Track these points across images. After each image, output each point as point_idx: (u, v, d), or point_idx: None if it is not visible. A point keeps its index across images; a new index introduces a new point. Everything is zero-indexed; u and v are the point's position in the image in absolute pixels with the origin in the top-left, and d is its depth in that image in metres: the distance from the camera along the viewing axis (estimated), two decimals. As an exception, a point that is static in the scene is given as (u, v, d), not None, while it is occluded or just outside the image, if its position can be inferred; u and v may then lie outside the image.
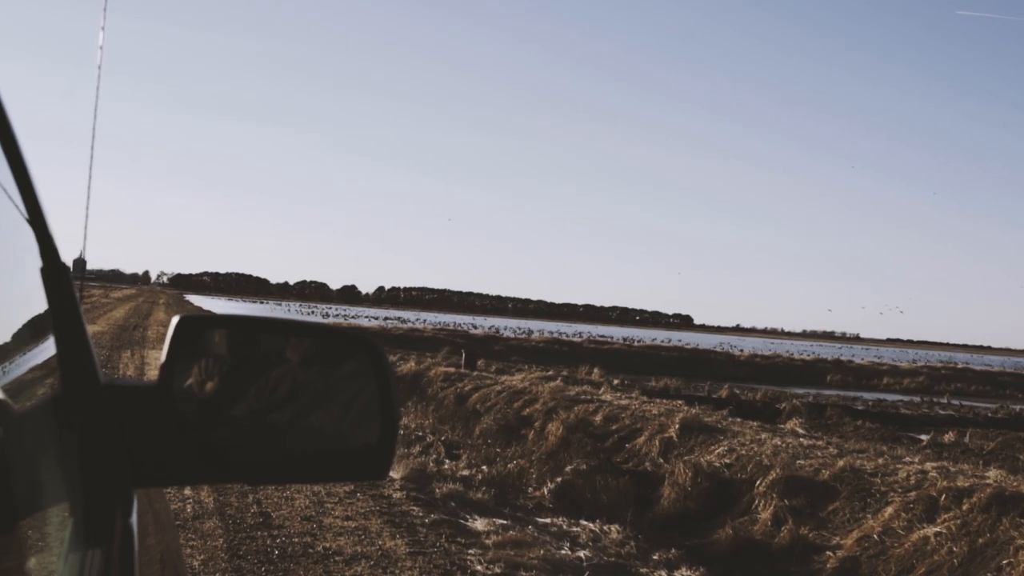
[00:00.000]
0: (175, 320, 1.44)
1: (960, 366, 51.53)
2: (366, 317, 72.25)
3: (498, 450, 13.93)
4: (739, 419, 15.83)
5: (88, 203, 1.91)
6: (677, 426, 13.18)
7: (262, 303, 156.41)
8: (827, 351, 74.18)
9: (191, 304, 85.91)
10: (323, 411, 1.56)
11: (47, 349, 1.30)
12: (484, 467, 12.37)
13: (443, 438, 15.09)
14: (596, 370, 26.72)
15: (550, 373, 23.37)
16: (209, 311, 66.75)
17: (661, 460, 12.50)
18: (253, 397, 1.52)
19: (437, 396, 20.36)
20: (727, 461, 11.44)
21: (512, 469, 12.34)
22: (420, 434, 15.18)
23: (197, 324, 1.50)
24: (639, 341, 40.37)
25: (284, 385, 1.54)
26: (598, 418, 15.12)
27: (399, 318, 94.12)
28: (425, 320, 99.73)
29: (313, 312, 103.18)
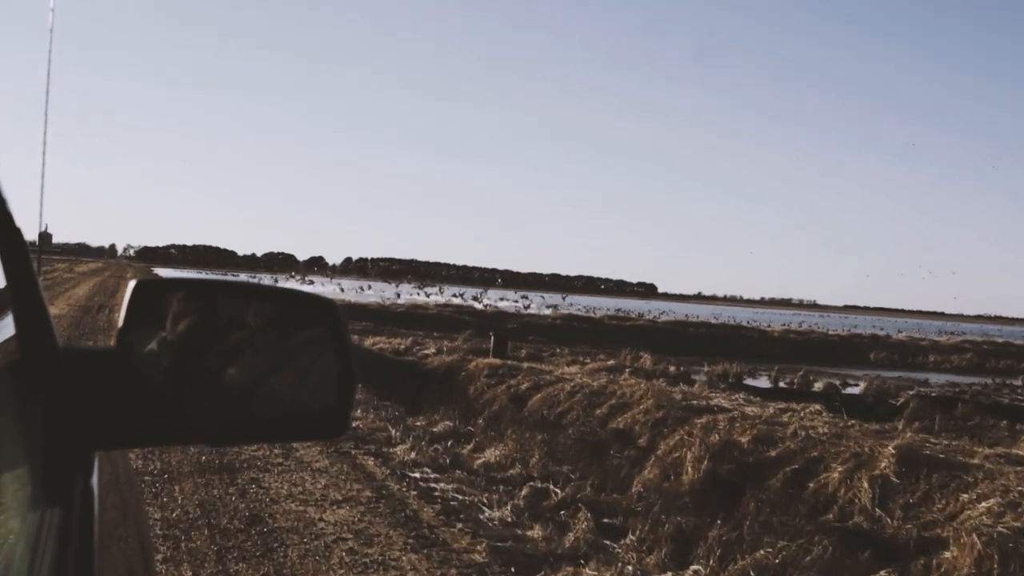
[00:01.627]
0: (132, 284, 1.45)
1: (1000, 340, 48.04)
2: (355, 290, 67.79)
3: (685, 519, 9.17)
4: (855, 422, 12.08)
5: (43, 172, 2.00)
6: (892, 459, 9.15)
7: (233, 275, 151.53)
8: (830, 322, 70.87)
9: (157, 277, 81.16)
10: (283, 372, 1.57)
11: (4, 317, 1.30)
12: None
13: (563, 486, 10.22)
14: (646, 356, 22.73)
15: (610, 362, 19.34)
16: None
17: (880, 513, 8.48)
18: (213, 360, 1.53)
19: (483, 398, 16.27)
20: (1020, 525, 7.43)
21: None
22: (515, 474, 10.65)
23: (155, 288, 1.51)
24: (663, 314, 36.52)
25: (244, 348, 1.56)
26: (744, 439, 11.15)
27: (382, 292, 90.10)
28: (399, 292, 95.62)
29: (305, 284, 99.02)
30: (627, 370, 17.90)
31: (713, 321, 36.07)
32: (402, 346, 22.20)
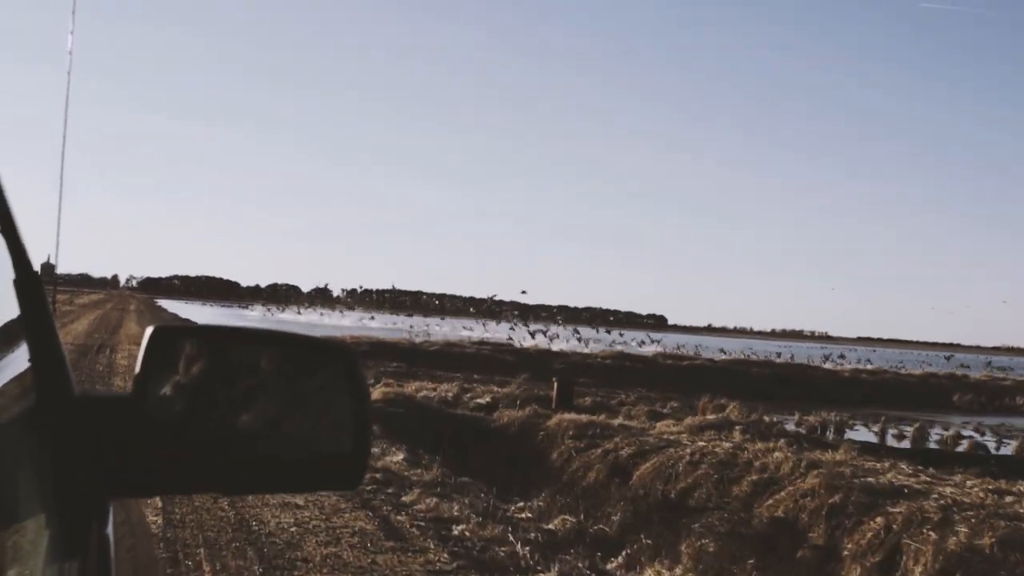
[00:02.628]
0: (149, 330, 1.45)
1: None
2: (382, 327, 64.39)
3: None
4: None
5: (60, 205, 1.89)
6: None
7: (244, 307, 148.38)
8: (860, 353, 67.62)
9: (165, 312, 77.72)
10: (297, 420, 1.55)
11: (20, 360, 1.31)
12: None
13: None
14: (732, 405, 19.66)
15: (710, 417, 16.31)
16: (187, 320, 59.33)
17: None
18: (228, 406, 1.52)
19: (571, 466, 13.20)
20: None
21: None
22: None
23: (171, 334, 1.51)
24: (723, 354, 33.47)
25: (258, 394, 1.55)
26: (985, 541, 8.12)
27: (394, 325, 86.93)
28: (411, 325, 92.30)
29: (323, 316, 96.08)
30: (737, 428, 14.81)
31: (775, 360, 33.11)
32: (450, 393, 19.16)
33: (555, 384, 19.34)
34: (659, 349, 33.17)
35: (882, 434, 21.18)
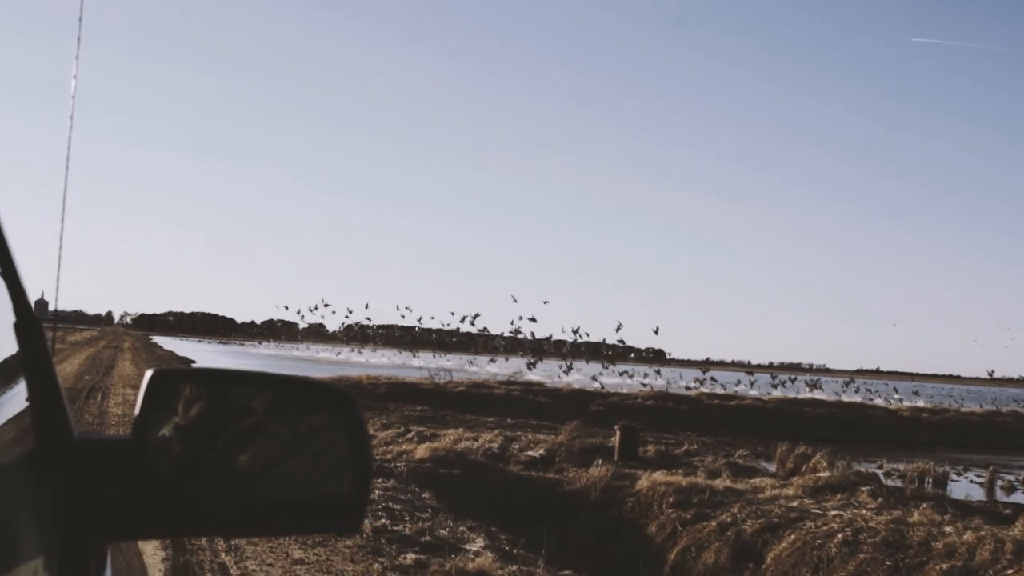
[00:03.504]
0: (148, 374, 1.47)
1: None
2: (396, 367, 61.23)
3: None
4: None
5: (61, 244, 1.86)
6: None
7: (251, 345, 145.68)
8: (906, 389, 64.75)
9: (161, 349, 74.87)
10: (296, 462, 1.56)
11: (19, 400, 1.32)
12: None
13: None
14: (819, 455, 17.07)
15: (823, 474, 13.74)
16: (185, 360, 56.71)
17: None
18: (227, 449, 1.52)
19: (675, 545, 10.59)
20: None
21: None
22: None
23: (170, 377, 1.52)
24: (768, 394, 30.81)
25: (257, 436, 1.55)
26: None
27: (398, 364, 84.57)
28: (419, 364, 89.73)
29: (354, 354, 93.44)
30: (863, 489, 12.23)
31: (825, 398, 30.47)
32: (494, 444, 16.55)
33: (618, 433, 16.75)
34: (702, 388, 30.72)
35: (989, 486, 18.56)
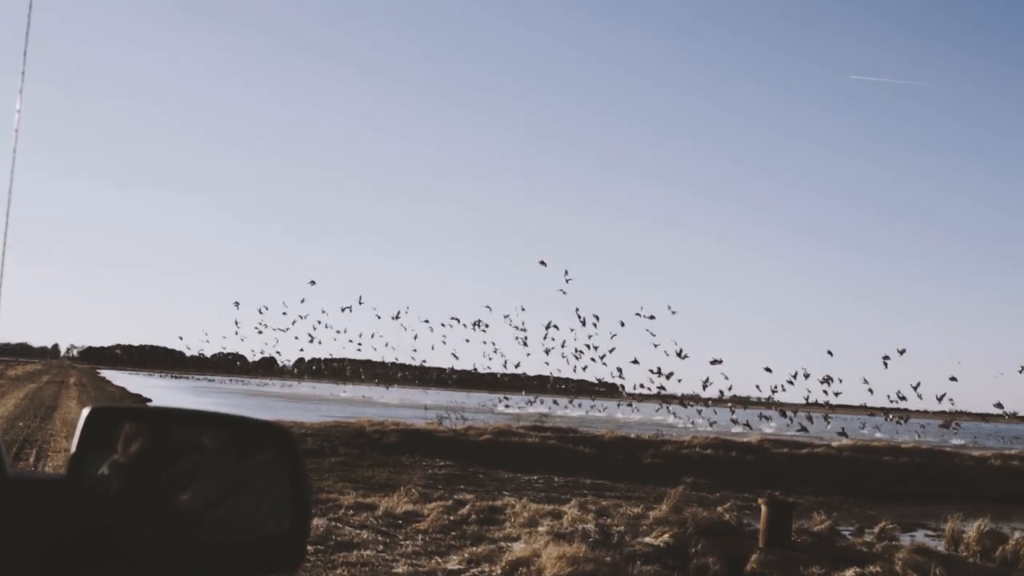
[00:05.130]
0: (85, 412, 1.45)
1: None
2: (407, 407, 55.91)
3: None
4: None
5: (1, 275, 1.79)
6: None
7: (215, 380, 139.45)
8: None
9: (110, 385, 68.81)
10: (237, 501, 1.55)
11: None
12: None
13: None
14: (981, 521, 12.76)
15: None
16: (139, 397, 51.15)
17: None
18: (167, 488, 1.50)
19: None
20: None
21: None
22: None
23: (108, 415, 1.50)
24: (843, 439, 26.60)
25: (197, 475, 1.53)
26: None
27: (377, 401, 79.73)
28: (381, 396, 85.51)
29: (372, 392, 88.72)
30: None
31: (904, 445, 26.30)
32: (585, 524, 11.96)
33: (764, 510, 12.20)
34: (761, 434, 26.43)
35: None
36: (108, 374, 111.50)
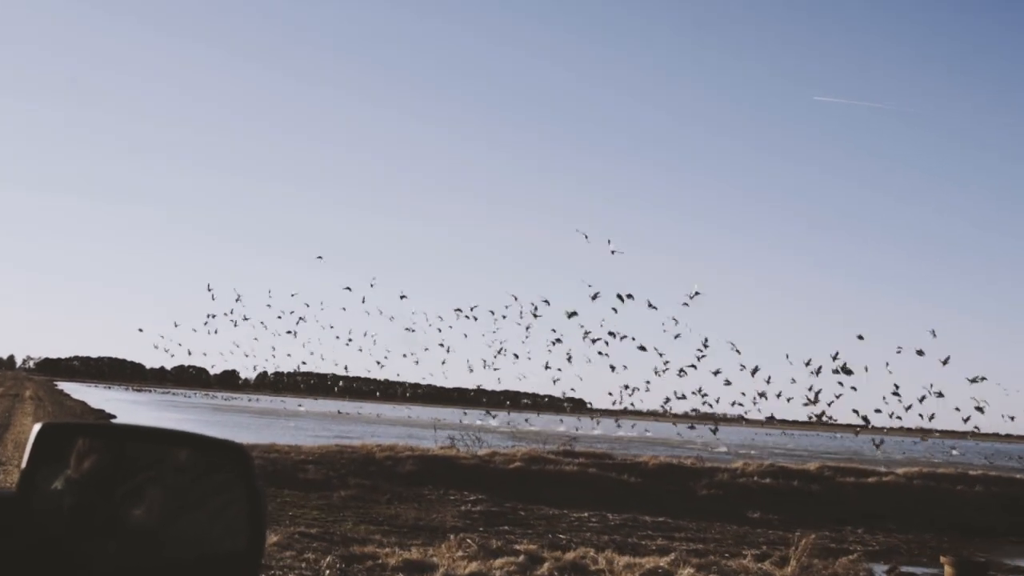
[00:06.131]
0: (36, 428, 1.44)
1: None
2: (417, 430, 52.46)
3: None
4: None
5: None
6: None
7: (177, 394, 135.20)
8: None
9: (69, 399, 64.67)
10: (191, 518, 1.53)
11: None
12: None
13: None
14: None
15: None
16: (101, 413, 47.42)
17: None
18: (120, 504, 1.47)
19: None
20: None
21: None
22: None
23: (60, 431, 1.49)
24: (910, 467, 23.86)
25: (152, 492, 1.50)
26: None
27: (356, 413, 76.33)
28: (358, 409, 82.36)
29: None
30: None
31: (969, 471, 23.60)
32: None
33: (950, 572, 9.27)
34: (820, 462, 23.73)
35: None
36: (66, 386, 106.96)
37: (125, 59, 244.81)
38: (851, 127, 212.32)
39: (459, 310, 31.56)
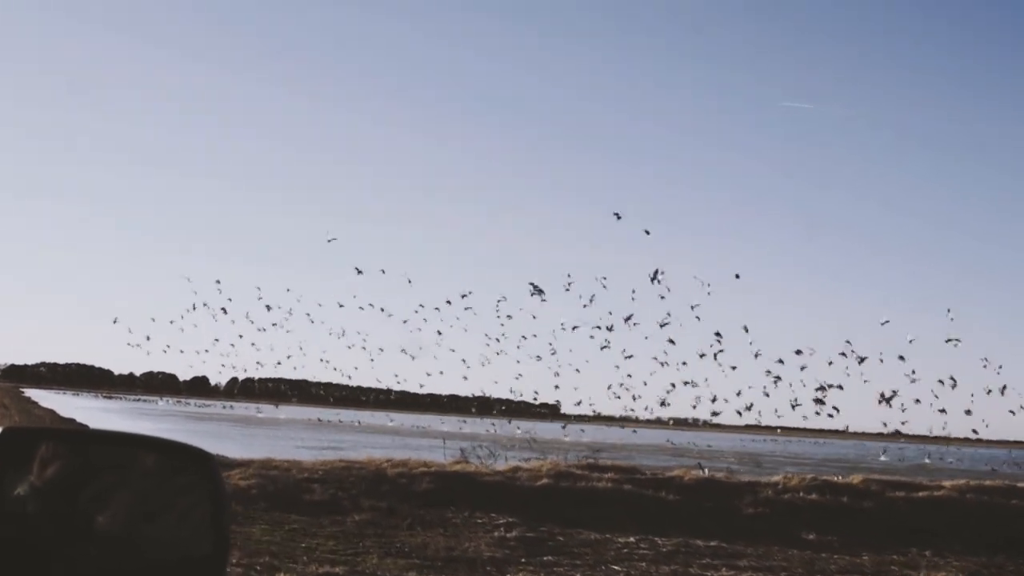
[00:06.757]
0: None
1: None
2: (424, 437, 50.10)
3: None
4: None
5: None
6: None
7: (117, 397, 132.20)
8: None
9: (37, 407, 62.03)
10: (157, 522, 1.51)
11: None
12: None
13: None
14: None
15: None
16: (72, 421, 45.17)
17: None
18: (84, 509, 1.45)
19: None
20: None
21: None
22: None
23: (24, 435, 1.48)
24: (960, 480, 22.27)
25: (116, 496, 1.49)
26: None
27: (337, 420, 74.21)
28: (336, 417, 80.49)
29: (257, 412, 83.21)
30: None
31: (1012, 483, 22.10)
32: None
33: None
34: (865, 475, 22.17)
35: None
36: (33, 393, 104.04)
37: (96, 61, 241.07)
38: (820, 132, 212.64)
39: (438, 309, 29.62)
